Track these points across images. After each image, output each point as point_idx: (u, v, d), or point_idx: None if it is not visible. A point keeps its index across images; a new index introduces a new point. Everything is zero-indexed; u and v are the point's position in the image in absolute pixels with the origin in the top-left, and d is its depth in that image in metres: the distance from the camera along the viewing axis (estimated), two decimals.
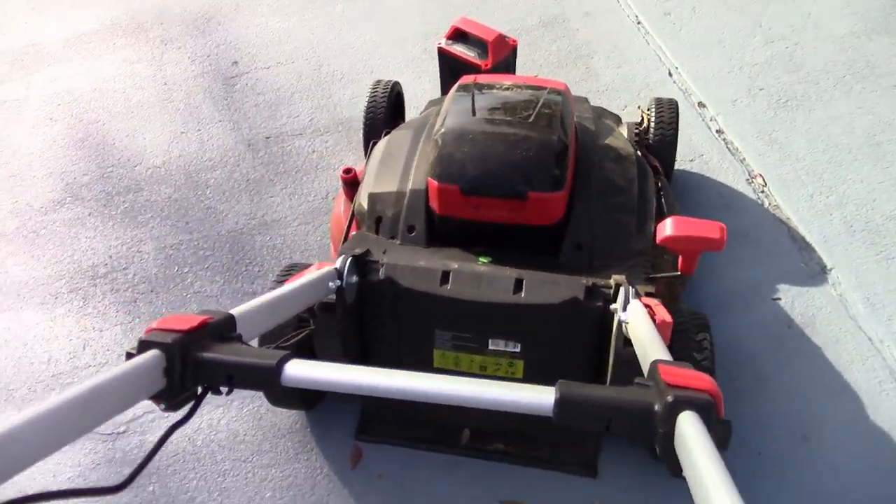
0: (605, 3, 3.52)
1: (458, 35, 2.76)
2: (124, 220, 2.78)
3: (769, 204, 2.68)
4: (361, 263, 1.94)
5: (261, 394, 2.21)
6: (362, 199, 2.22)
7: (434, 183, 2.01)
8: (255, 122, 3.08)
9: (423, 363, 1.99)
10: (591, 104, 2.59)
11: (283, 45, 3.41)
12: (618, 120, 2.57)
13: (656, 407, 0.97)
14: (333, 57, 3.34)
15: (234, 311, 1.26)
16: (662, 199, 2.32)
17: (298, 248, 2.65)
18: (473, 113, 2.06)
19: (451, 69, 2.78)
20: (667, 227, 1.82)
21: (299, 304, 1.61)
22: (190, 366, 1.07)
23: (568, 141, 2.02)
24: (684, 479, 0.98)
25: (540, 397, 1.03)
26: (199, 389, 1.12)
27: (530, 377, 1.94)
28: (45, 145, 3.06)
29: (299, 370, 1.08)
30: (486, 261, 2.02)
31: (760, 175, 2.76)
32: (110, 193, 2.86)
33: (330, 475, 2.10)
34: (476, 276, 1.91)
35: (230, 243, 2.68)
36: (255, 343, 1.99)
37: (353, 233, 2.25)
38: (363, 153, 2.73)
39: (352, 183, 2.38)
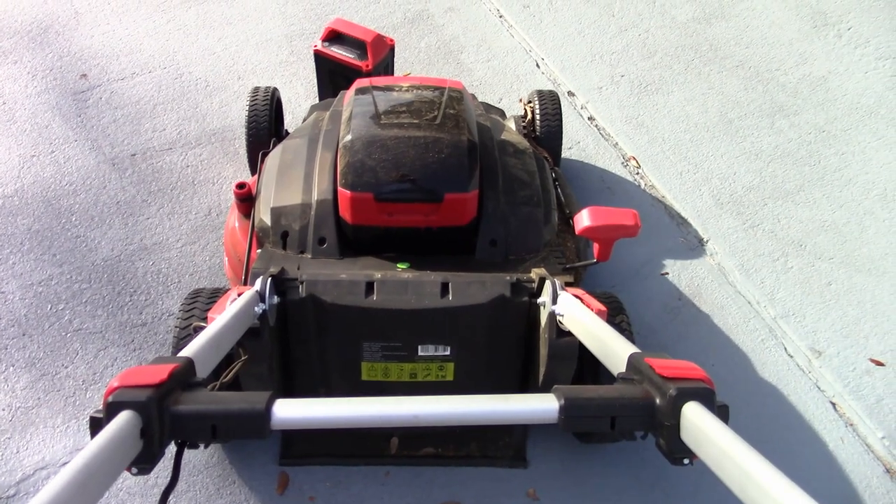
0: None
1: (334, 37, 2.69)
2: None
3: (645, 184, 2.84)
4: (279, 282, 1.86)
5: None
6: (263, 215, 2.12)
7: (346, 192, 1.96)
8: (116, 139, 2.85)
9: (350, 378, 1.95)
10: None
11: (135, 55, 3.17)
12: (503, 114, 2.62)
13: (658, 401, 1.01)
14: (194, 64, 3.15)
15: (187, 354, 1.17)
16: (558, 189, 2.39)
17: (187, 271, 2.49)
18: (378, 118, 2.02)
19: (329, 72, 2.72)
20: (584, 218, 1.89)
21: (236, 333, 1.52)
22: (167, 423, 0.98)
23: (476, 140, 2.04)
24: (684, 465, 1.02)
25: (543, 406, 1.03)
26: (176, 446, 1.03)
27: (460, 378, 1.95)
28: None
29: (288, 410, 1.02)
30: (404, 267, 2.00)
31: (634, 157, 2.92)
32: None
33: None
34: (401, 283, 1.88)
35: (108, 273, 2.47)
36: None
37: (256, 251, 2.15)
38: (247, 165, 2.62)
39: (246, 198, 2.27)
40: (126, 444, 0.93)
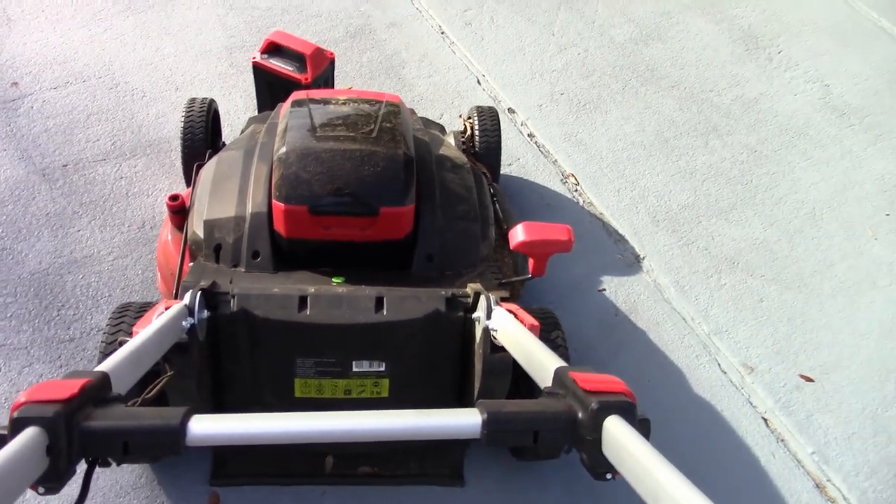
0: (407, 13, 3.58)
1: (273, 49, 2.67)
2: None
3: (584, 201, 2.88)
4: (210, 296, 1.82)
5: None
6: (196, 227, 2.08)
7: (280, 205, 1.93)
8: (47, 150, 2.77)
9: (283, 395, 1.91)
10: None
11: (70, 63, 3.09)
12: (442, 130, 2.63)
13: (580, 415, 1.01)
14: (131, 74, 3.09)
15: (103, 368, 1.13)
16: (496, 204, 2.41)
17: (118, 285, 2.43)
18: (314, 130, 2.00)
19: (268, 85, 2.69)
20: (519, 233, 1.90)
21: (160, 348, 1.48)
22: (76, 439, 0.95)
23: (412, 154, 2.04)
24: (608, 480, 1.03)
25: (466, 420, 1.03)
26: (86, 463, 0.99)
27: (395, 395, 1.93)
28: None
29: (205, 427, 0.99)
30: (339, 281, 1.98)
31: (573, 175, 2.96)
32: None
33: None
34: (336, 298, 1.86)
35: (35, 287, 2.39)
36: None
37: (189, 264, 2.11)
38: (183, 177, 2.57)
39: (179, 210, 2.22)
40: (30, 462, 0.90)
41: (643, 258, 2.72)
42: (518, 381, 1.83)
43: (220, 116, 2.72)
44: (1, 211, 2.57)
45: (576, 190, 2.92)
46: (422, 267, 2.06)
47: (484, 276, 2.05)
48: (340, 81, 3.17)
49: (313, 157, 1.94)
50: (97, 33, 3.23)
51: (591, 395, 1.02)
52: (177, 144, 2.57)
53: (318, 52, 2.65)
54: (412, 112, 2.51)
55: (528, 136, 3.09)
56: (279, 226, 1.98)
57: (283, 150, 1.97)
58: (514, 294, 2.38)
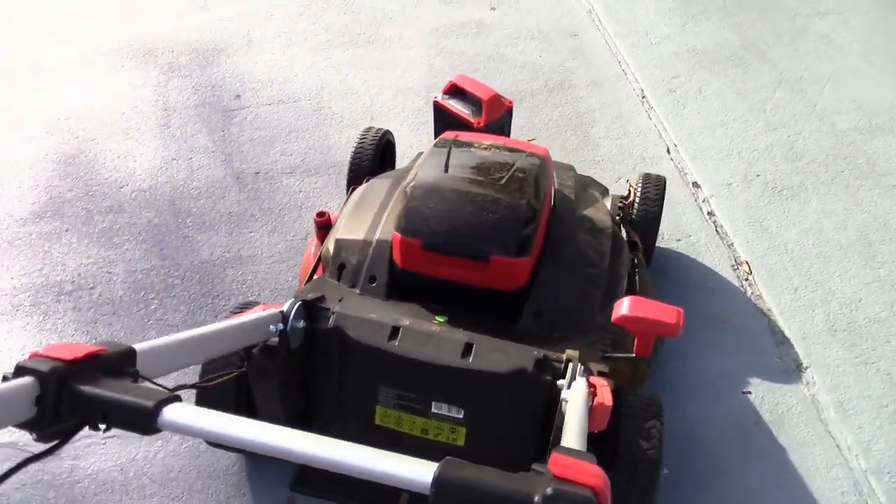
0: (612, 74, 3.51)
1: (454, 91, 2.75)
2: (100, 239, 2.76)
3: (752, 293, 2.61)
4: (313, 309, 1.90)
5: None
6: (329, 244, 2.18)
7: (397, 235, 1.98)
8: (247, 157, 3.08)
9: (365, 418, 1.92)
10: (580, 173, 2.56)
11: (287, 84, 3.43)
12: (604, 191, 2.53)
13: (536, 499, 0.91)
14: (335, 100, 3.35)
15: (138, 346, 1.22)
16: (637, 277, 2.26)
17: (268, 286, 2.61)
18: (446, 169, 2.03)
19: (444, 124, 2.77)
20: (623, 307, 1.77)
21: (230, 343, 1.56)
22: (66, 398, 1.02)
23: (538, 207, 1.98)
24: None
25: (418, 472, 0.97)
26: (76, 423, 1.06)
27: (472, 446, 1.87)
28: (36, 158, 3.07)
29: (180, 416, 1.02)
30: (442, 320, 1.96)
31: (747, 262, 2.70)
32: (91, 212, 2.86)
33: None
34: (426, 335, 1.85)
35: (200, 274, 2.65)
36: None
37: (316, 276, 2.22)
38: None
39: (324, 226, 2.35)
40: (18, 406, 0.98)
41: (806, 367, 2.39)
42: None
43: (401, 150, 2.85)
44: (194, 203, 2.89)
45: (746, 279, 2.65)
46: (530, 322, 1.98)
47: (593, 345, 1.93)
48: (526, 132, 3.18)
49: (437, 195, 1.96)
50: (318, 61, 3.55)
51: (554, 479, 0.91)
52: None
53: (496, 99, 2.68)
54: (570, 168, 2.45)
55: (708, 213, 2.87)
56: (396, 255, 2.01)
57: (412, 183, 2.01)
58: (641, 375, 2.20)
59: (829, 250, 2.74)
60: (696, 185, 2.99)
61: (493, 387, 1.80)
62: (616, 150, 3.13)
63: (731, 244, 2.77)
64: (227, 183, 2.98)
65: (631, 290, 2.20)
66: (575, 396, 1.54)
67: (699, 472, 2.13)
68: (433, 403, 1.85)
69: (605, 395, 1.59)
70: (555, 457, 0.97)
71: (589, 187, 2.48)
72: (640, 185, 2.53)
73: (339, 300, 1.98)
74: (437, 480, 0.94)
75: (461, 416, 1.84)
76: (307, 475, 2.12)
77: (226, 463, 2.16)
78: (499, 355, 1.81)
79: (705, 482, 2.11)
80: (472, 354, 1.81)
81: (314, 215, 2.34)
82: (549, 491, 0.89)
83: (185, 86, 3.40)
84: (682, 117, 3.28)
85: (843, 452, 2.19)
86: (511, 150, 2.14)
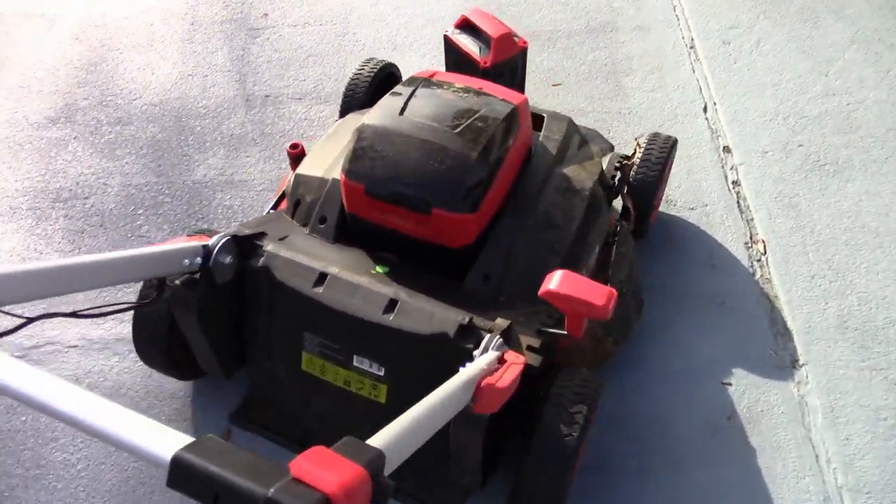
0: (662, 19, 3.20)
1: (466, 26, 2.57)
2: (104, 150, 2.78)
3: (761, 275, 2.37)
4: (246, 246, 1.84)
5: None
6: (290, 178, 2.11)
7: (342, 177, 1.87)
8: (261, 78, 3.02)
9: (292, 362, 1.88)
10: (585, 126, 2.35)
11: (317, 6, 3.31)
12: (607, 149, 2.32)
13: (261, 497, 0.82)
14: (361, 27, 3.21)
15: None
16: (614, 247, 2.07)
17: (253, 213, 2.58)
18: (402, 111, 1.89)
19: (454, 61, 2.60)
20: (552, 280, 1.61)
21: (139, 272, 1.53)
22: None
23: (492, 160, 1.82)
24: None
25: (162, 447, 0.89)
26: None
27: (393, 405, 1.78)
28: (61, 63, 3.10)
29: None
30: (381, 270, 1.87)
31: (763, 241, 2.44)
32: (101, 122, 2.88)
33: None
34: (353, 285, 1.76)
35: (190, 195, 2.63)
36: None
37: (275, 211, 2.15)
38: None
39: (297, 158, 2.27)
40: None
41: (802, 365, 2.16)
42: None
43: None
44: (199, 123, 2.86)
45: (758, 260, 2.40)
46: (477, 283, 1.86)
47: (536, 315, 1.79)
48: (553, 76, 2.97)
49: (385, 138, 1.84)
50: None
51: (292, 482, 0.83)
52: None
53: (506, 38, 2.48)
54: (563, 119, 2.24)
55: (732, 182, 2.61)
56: (343, 198, 1.91)
57: (362, 123, 1.89)
58: (603, 351, 2.05)
59: (861, 237, 2.43)
60: (726, 149, 2.71)
61: (413, 347, 1.70)
62: (647, 103, 2.87)
63: (751, 219, 2.50)
64: (235, 104, 2.93)
65: (603, 263, 2.02)
66: (466, 371, 1.42)
67: (652, 464, 1.98)
68: (355, 356, 1.78)
69: (505, 376, 1.46)
70: (310, 453, 0.88)
71: (587, 142, 2.27)
72: (644, 145, 2.31)
73: (281, 238, 1.91)
74: (175, 460, 0.87)
75: (382, 373, 1.76)
76: (247, 410, 2.10)
77: (175, 386, 2.17)
78: (422, 316, 1.70)
79: (656, 475, 1.96)
80: (394, 311, 1.71)
81: (288, 146, 2.25)
82: (270, 492, 0.80)
83: (216, 0, 3.34)
84: (730, 73, 2.96)
85: (820, 463, 1.97)
86: (482, 94, 1.97)
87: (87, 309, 1.51)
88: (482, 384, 1.40)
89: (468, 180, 1.77)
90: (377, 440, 1.01)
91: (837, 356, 2.17)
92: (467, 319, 1.67)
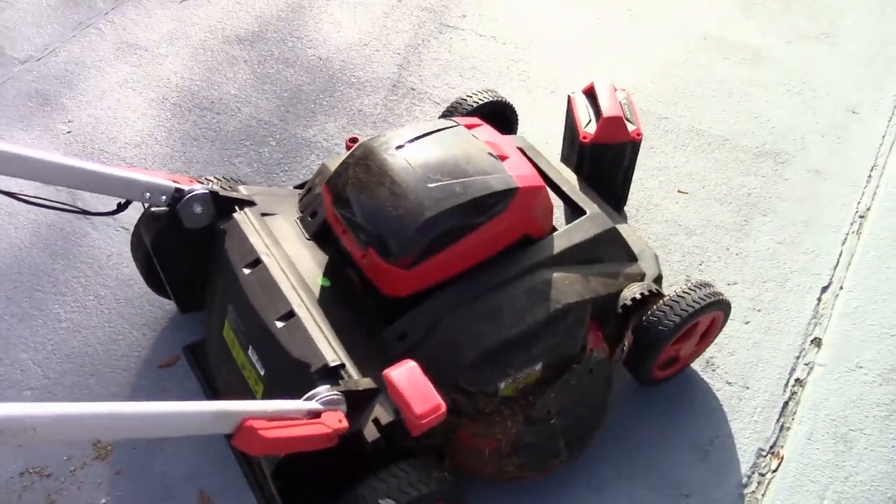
0: (850, 172, 2.73)
1: (591, 94, 2.43)
2: (257, 81, 3.07)
3: (752, 490, 2.00)
4: (225, 206, 1.96)
5: None
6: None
7: (325, 184, 1.90)
8: (418, 72, 3.10)
9: (218, 326, 1.98)
10: (644, 242, 2.12)
11: (513, 26, 3.31)
12: (652, 276, 2.06)
13: None
14: (535, 59, 3.16)
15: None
16: (565, 374, 1.85)
17: (305, 175, 2.70)
18: (401, 145, 1.85)
19: (568, 123, 2.49)
20: (398, 367, 1.52)
21: (101, 186, 1.74)
22: None
23: (447, 227, 1.73)
24: None
25: None
26: None
27: None
28: None
29: None
30: (322, 282, 1.88)
31: (782, 457, 2.05)
32: (271, 56, 3.17)
33: (138, 360, 2.26)
34: (272, 283, 1.81)
35: (292, 147, 2.82)
36: None
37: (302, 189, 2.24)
38: None
39: None
40: None
41: None
42: None
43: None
44: (345, 90, 3.03)
45: (763, 473, 2.02)
46: (390, 337, 1.80)
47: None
48: (683, 181, 2.69)
49: (368, 163, 1.83)
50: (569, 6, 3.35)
51: None
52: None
53: (616, 122, 2.31)
54: (612, 231, 2.02)
55: (796, 380, 2.20)
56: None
57: (366, 139, 1.89)
58: (503, 474, 1.89)
59: None
60: (816, 342, 2.28)
61: (284, 362, 1.71)
62: (765, 252, 2.50)
63: (787, 427, 2.11)
64: (382, 84, 3.05)
65: (539, 383, 1.84)
66: (263, 404, 1.41)
67: None
68: (250, 346, 1.83)
69: (286, 430, 1.42)
70: None
71: (629, 260, 2.06)
72: (684, 288, 2.02)
73: (265, 214, 2.00)
74: None
75: (262, 373, 1.80)
76: (199, 349, 2.24)
77: (160, 303, 2.37)
78: (303, 338, 1.70)
79: None
80: (286, 322, 1.73)
81: (347, 139, 2.33)
82: None
83: None
84: (884, 270, 2.47)
85: None
86: (492, 161, 1.85)
87: (25, 194, 1.72)
88: (245, 423, 1.37)
89: (408, 235, 1.71)
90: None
91: None
92: (336, 364, 1.64)
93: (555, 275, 1.88)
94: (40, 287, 2.43)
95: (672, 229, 2.56)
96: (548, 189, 1.97)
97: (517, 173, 1.86)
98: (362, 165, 1.83)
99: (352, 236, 1.81)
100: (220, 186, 2.01)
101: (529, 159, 2.26)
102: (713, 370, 2.22)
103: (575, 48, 3.22)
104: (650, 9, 3.38)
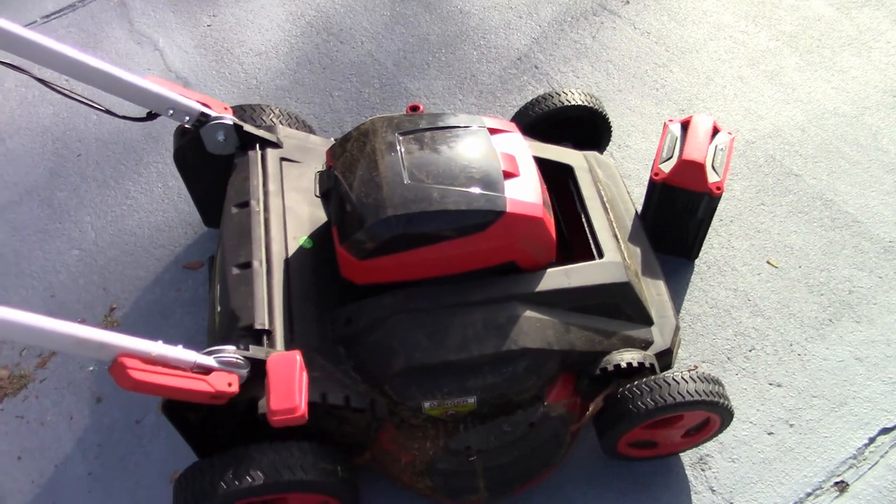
0: None
1: (685, 126, 2.16)
2: (395, 20, 3.03)
3: None
4: (248, 140, 1.99)
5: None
6: None
7: (330, 147, 1.87)
8: (552, 49, 2.91)
9: (219, 251, 2.02)
10: (670, 310, 1.91)
11: (676, 20, 2.97)
12: (660, 347, 1.85)
13: None
14: (681, 68, 2.83)
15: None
16: (500, 419, 1.72)
17: None
18: (408, 132, 1.76)
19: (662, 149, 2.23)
20: (282, 355, 1.48)
21: (128, 94, 1.83)
22: None
23: (414, 231, 1.63)
24: None
25: None
26: None
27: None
28: None
29: None
30: (304, 242, 1.87)
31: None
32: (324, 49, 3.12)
33: (171, 254, 2.41)
34: (246, 228, 1.83)
35: (358, 70, 2.78)
36: None
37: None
38: None
39: None
40: None
41: None
42: None
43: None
44: (465, 50, 2.92)
45: None
46: (337, 319, 1.76)
47: (330, 379, 1.66)
48: (778, 253, 2.33)
49: (364, 141, 1.78)
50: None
51: None
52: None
53: (696, 168, 2.07)
54: (624, 287, 1.82)
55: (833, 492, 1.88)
56: None
57: (373, 118, 1.82)
58: (415, 488, 1.84)
59: None
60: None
61: (226, 310, 1.75)
62: (839, 364, 2.12)
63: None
64: (509, 54, 2.90)
65: (469, 418, 1.72)
66: (167, 352, 1.46)
67: None
68: (218, 284, 1.86)
69: (160, 377, 1.44)
70: None
71: (640, 323, 1.86)
72: (682, 373, 1.77)
73: (284, 159, 2.01)
74: None
75: (218, 310, 1.84)
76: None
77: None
78: (244, 292, 1.71)
79: None
80: (241, 271, 1.75)
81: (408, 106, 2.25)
82: None
83: None
84: None
85: None
86: (498, 178, 1.70)
87: (59, 85, 1.83)
88: (119, 358, 1.41)
89: (366, 226, 1.64)
90: None
91: None
92: (262, 328, 1.65)
93: (526, 313, 1.73)
94: (125, 162, 2.64)
95: (737, 301, 2.24)
96: (551, 221, 1.78)
97: (515, 196, 1.69)
98: (361, 141, 1.77)
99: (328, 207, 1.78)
100: (270, 120, 2.06)
101: (574, 183, 2.06)
102: (702, 470, 1.96)
103: (730, 71, 2.83)
104: (842, 47, 2.88)
